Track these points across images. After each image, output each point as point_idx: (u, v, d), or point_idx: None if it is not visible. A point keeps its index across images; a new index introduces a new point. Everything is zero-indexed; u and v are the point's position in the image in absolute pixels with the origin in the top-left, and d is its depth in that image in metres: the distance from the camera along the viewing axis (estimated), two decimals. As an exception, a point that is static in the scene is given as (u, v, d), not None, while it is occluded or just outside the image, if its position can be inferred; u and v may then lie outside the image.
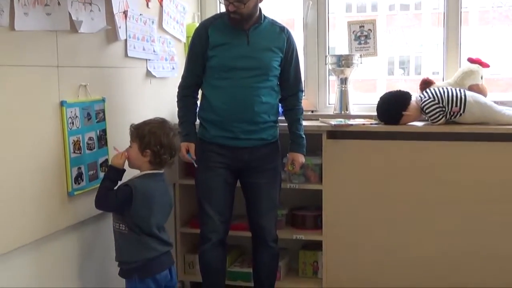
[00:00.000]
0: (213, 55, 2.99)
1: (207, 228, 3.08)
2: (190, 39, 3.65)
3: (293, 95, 3.16)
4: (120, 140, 2.85)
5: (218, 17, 3.10)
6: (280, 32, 3.05)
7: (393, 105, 3.30)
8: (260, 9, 3.00)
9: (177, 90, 3.13)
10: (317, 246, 3.55)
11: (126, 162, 2.70)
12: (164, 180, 2.77)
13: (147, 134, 2.66)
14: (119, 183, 2.67)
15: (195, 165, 3.03)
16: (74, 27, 2.56)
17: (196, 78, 3.08)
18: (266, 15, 3.06)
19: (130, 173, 2.72)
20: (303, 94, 3.28)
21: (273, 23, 3.08)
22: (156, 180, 2.71)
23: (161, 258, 2.69)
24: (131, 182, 2.63)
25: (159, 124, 2.71)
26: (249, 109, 2.98)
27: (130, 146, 2.72)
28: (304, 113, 3.72)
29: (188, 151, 3.02)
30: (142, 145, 2.66)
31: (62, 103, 2.50)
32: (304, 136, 3.19)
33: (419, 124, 3.32)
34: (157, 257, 2.67)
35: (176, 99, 3.13)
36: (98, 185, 2.65)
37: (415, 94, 3.40)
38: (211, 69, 3.02)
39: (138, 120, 2.87)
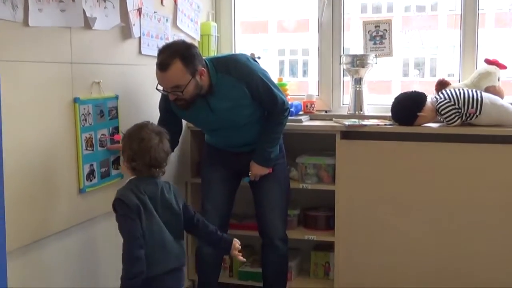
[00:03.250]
0: (185, 120, 3.05)
1: None
2: (203, 37, 3.67)
3: (271, 114, 3.00)
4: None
5: None
6: (237, 83, 2.83)
7: (408, 106, 3.25)
8: (208, 69, 2.78)
9: None
10: (329, 247, 3.52)
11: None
12: (156, 184, 2.40)
13: (124, 138, 2.44)
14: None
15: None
16: (88, 24, 2.55)
17: (169, 127, 2.71)
18: (214, 64, 2.83)
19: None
20: (287, 112, 3.01)
21: (226, 73, 2.83)
22: (141, 184, 2.36)
23: (162, 279, 2.37)
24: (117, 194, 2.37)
25: (138, 128, 2.43)
26: (243, 142, 3.03)
27: None
28: (318, 113, 3.72)
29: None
30: (121, 149, 2.47)
31: (75, 100, 2.50)
32: (269, 150, 2.99)
33: (434, 125, 3.28)
34: (158, 276, 2.35)
35: None
36: (110, 182, 2.61)
37: (431, 95, 3.36)
38: None
39: (150, 117, 2.84)
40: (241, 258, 2.63)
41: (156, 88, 2.75)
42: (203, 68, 2.74)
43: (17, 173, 2.17)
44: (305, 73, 8.82)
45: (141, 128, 2.42)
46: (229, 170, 3.12)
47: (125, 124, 2.84)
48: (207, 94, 2.82)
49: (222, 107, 2.86)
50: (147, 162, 2.36)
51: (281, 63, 7.91)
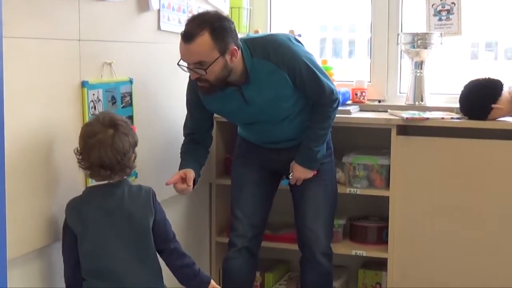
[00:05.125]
0: (217, 115, 3.08)
1: (234, 232, 3.13)
2: (233, 10, 3.66)
3: (317, 106, 2.96)
4: (148, 129, 2.86)
5: None
6: (277, 70, 2.81)
7: (480, 96, 3.24)
8: (242, 54, 2.77)
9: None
10: (380, 264, 3.52)
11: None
12: (112, 192, 2.39)
13: None
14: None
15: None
16: (99, -7, 2.58)
17: (201, 122, 3.00)
18: (249, 46, 2.81)
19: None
20: (336, 103, 2.97)
21: (264, 57, 2.80)
22: (92, 195, 2.40)
23: None
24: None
25: (90, 120, 2.42)
26: (282, 138, 3.02)
27: None
28: (369, 102, 3.71)
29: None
30: None
31: (83, 84, 2.52)
32: (315, 149, 2.98)
33: (511, 120, 3.25)
34: None
35: None
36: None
37: (508, 84, 3.33)
38: None
39: (169, 105, 2.85)
40: None
41: (178, 64, 2.74)
42: (235, 48, 2.70)
43: (18, 167, 2.18)
44: (351, 53, 8.77)
45: (92, 120, 2.40)
46: (266, 170, 3.12)
47: (141, 113, 2.87)
48: (241, 84, 2.81)
49: (259, 98, 2.85)
50: (92, 161, 2.31)
51: (323, 41, 7.89)
